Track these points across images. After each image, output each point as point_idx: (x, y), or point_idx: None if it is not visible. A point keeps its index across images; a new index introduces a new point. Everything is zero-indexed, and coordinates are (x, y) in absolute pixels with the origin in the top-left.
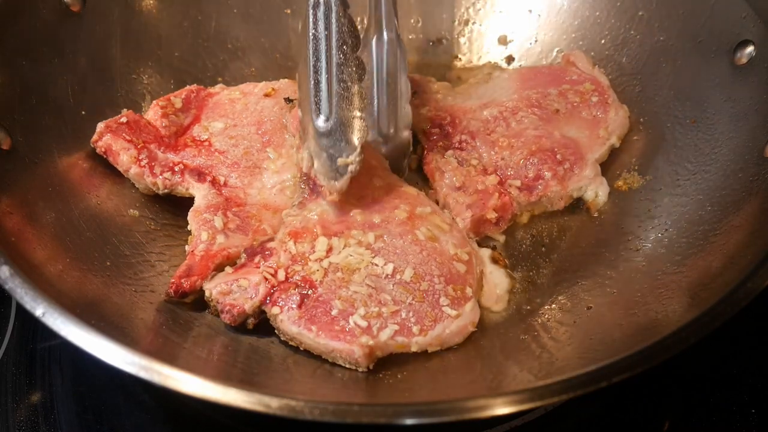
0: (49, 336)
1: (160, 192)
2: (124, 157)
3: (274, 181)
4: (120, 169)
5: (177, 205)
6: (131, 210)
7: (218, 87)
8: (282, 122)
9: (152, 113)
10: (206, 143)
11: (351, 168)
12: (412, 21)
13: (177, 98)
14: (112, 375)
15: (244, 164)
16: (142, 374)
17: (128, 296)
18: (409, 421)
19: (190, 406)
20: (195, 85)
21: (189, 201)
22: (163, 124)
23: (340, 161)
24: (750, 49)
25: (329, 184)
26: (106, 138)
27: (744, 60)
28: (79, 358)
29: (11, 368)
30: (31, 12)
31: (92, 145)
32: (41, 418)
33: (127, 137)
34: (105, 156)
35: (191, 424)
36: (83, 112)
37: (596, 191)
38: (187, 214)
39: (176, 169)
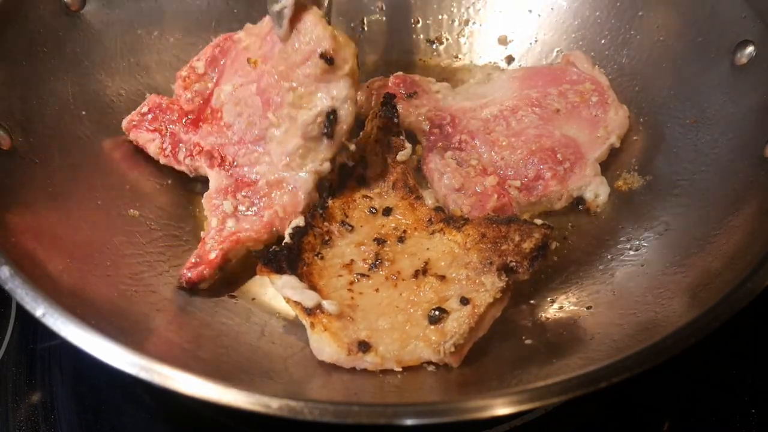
0: (49, 336)
1: (191, 176)
2: (152, 149)
3: (280, 153)
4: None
5: (177, 206)
6: (131, 210)
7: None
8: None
9: (176, 87)
10: (219, 115)
11: (285, 12)
12: (412, 21)
13: (199, 62)
14: (112, 375)
15: (249, 138)
16: (143, 374)
17: (128, 296)
18: (409, 422)
19: (190, 406)
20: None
21: (189, 200)
22: (187, 98)
23: (276, 7)
24: (750, 49)
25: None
26: (132, 135)
27: (744, 60)
28: (79, 358)
29: (11, 368)
30: (31, 12)
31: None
32: (41, 418)
33: (150, 127)
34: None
35: (191, 424)
36: (83, 112)
37: (596, 191)
38: (186, 214)
39: (194, 152)
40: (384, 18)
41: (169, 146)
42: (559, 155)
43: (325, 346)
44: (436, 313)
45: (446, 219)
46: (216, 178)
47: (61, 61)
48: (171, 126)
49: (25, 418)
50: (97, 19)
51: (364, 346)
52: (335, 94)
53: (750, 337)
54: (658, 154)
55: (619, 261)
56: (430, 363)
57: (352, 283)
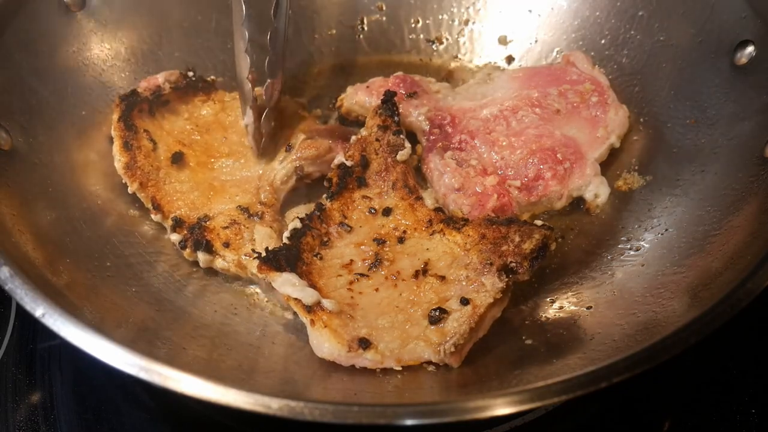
0: (49, 336)
1: None
2: None
3: None
4: None
5: None
6: (131, 210)
7: None
8: None
9: None
10: None
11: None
12: (412, 21)
13: None
14: (112, 375)
15: None
16: (142, 375)
17: (128, 296)
18: (409, 422)
19: (190, 406)
20: None
21: None
22: None
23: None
24: (750, 49)
25: None
26: None
27: (744, 60)
28: (79, 358)
29: (11, 368)
30: (32, 12)
31: None
32: (41, 418)
33: None
34: None
35: (191, 424)
36: (83, 112)
37: (596, 191)
38: None
39: None
40: (384, 18)
41: None
42: (559, 155)
43: (325, 341)
44: (436, 313)
45: (446, 220)
46: None
47: (62, 61)
48: None
49: (25, 418)
50: (97, 19)
51: (365, 343)
52: None
53: (750, 337)
54: (658, 154)
55: (619, 261)
56: (430, 363)
57: (351, 282)
